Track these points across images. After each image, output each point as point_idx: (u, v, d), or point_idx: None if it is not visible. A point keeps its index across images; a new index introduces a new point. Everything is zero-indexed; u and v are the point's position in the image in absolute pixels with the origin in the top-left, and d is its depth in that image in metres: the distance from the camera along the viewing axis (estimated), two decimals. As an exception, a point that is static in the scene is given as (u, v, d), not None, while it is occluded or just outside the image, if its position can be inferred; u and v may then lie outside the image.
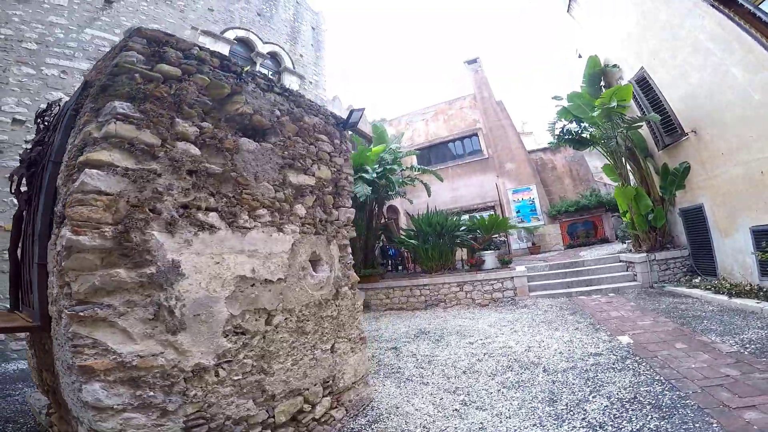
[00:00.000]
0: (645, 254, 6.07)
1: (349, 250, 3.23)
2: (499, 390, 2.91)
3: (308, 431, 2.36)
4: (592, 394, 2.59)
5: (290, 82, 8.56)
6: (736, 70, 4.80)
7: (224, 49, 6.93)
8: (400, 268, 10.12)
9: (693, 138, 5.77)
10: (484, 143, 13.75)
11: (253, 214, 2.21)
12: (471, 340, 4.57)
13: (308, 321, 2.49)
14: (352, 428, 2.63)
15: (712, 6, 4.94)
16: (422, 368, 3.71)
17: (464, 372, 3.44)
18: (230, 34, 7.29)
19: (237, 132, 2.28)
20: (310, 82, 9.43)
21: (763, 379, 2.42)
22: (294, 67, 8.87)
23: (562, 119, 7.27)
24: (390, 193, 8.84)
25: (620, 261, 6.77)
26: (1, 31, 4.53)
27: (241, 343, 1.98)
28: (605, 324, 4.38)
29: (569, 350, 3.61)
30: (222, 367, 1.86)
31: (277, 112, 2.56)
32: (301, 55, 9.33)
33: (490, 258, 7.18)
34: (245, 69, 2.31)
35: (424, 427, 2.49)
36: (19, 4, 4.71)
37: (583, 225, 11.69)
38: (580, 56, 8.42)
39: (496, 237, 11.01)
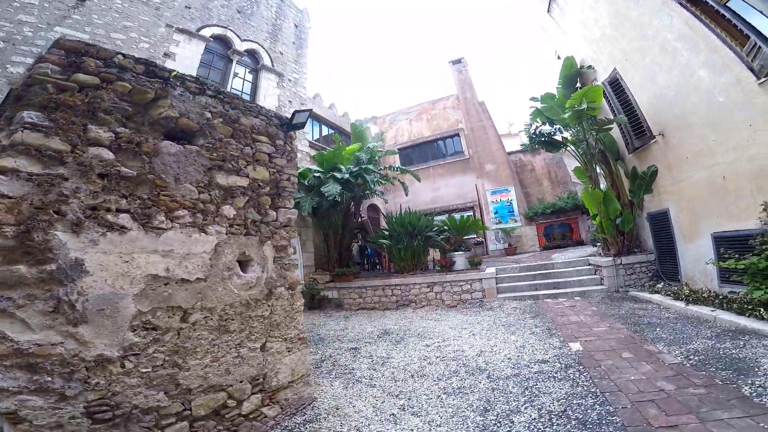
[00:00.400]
0: (612, 258, 6.17)
1: (290, 251, 3.38)
2: (439, 396, 3.01)
3: (234, 426, 2.51)
4: (525, 405, 2.66)
5: (268, 79, 8.73)
6: (702, 71, 4.84)
7: (199, 47, 7.13)
8: (378, 267, 10.27)
9: (660, 141, 5.86)
10: (466, 144, 14.02)
11: (171, 215, 2.35)
12: (429, 342, 4.70)
13: (233, 320, 2.64)
14: (286, 426, 2.77)
15: (680, 4, 4.96)
16: (374, 370, 3.85)
17: (412, 375, 3.55)
18: (207, 32, 7.46)
19: (162, 135, 2.44)
20: (290, 80, 9.59)
21: (694, 395, 2.46)
22: (273, 65, 9.03)
23: (537, 120, 7.39)
24: (366, 192, 8.99)
25: (589, 264, 6.87)
26: None
27: (151, 338, 2.13)
28: (562, 329, 4.50)
29: (518, 356, 3.71)
30: (129, 360, 2.01)
31: (208, 115, 2.71)
32: (281, 53, 9.49)
33: (460, 259, 7.31)
34: (173, 74, 2.46)
35: (357, 429, 2.61)
36: None
37: (559, 227, 11.88)
38: (558, 57, 8.52)
39: (473, 238, 11.15)
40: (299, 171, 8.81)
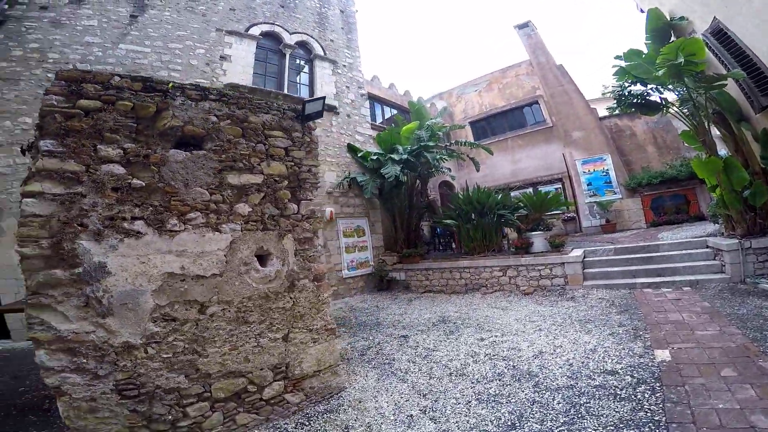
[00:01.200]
0: (738, 240, 4.58)
1: (316, 242, 3.43)
2: (469, 402, 2.76)
3: (254, 409, 2.76)
4: (561, 429, 2.24)
5: (322, 68, 8.92)
6: None
7: (251, 46, 7.68)
8: (451, 248, 9.90)
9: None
10: (547, 111, 12.81)
11: (183, 218, 2.61)
12: (485, 335, 4.35)
13: (251, 312, 2.84)
14: (307, 413, 2.92)
15: None
16: (413, 363, 3.75)
17: (451, 374, 3.35)
18: (255, 30, 7.96)
19: (173, 144, 2.69)
20: (344, 65, 9.63)
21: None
22: (325, 53, 9.17)
23: (624, 80, 5.97)
24: (431, 170, 8.60)
25: (707, 247, 5.26)
26: (48, 56, 5.84)
27: (171, 328, 2.44)
28: (653, 330, 3.62)
29: (583, 363, 3.14)
30: (151, 346, 2.35)
31: (213, 119, 2.87)
32: (331, 40, 9.58)
33: (538, 240, 6.45)
34: (170, 85, 2.66)
35: (368, 426, 2.61)
36: (57, 29, 5.98)
37: (671, 199, 9.49)
38: (642, 11, 6.81)
39: (558, 214, 9.89)
40: (361, 154, 8.96)
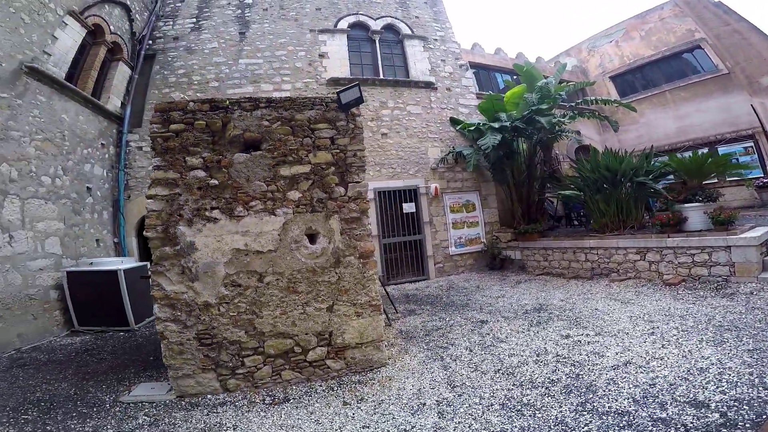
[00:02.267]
0: None
1: (365, 221, 3.64)
2: (491, 406, 2.50)
3: (299, 369, 3.30)
4: None
5: (412, 46, 8.73)
6: None
7: (342, 40, 8.21)
8: (585, 224, 8.34)
9: None
10: (715, 56, 10.90)
11: (246, 205, 3.30)
12: (575, 332, 3.76)
13: (300, 283, 3.37)
14: (342, 380, 3.23)
15: None
16: (471, 351, 3.61)
17: (499, 370, 3.07)
18: (343, 24, 8.36)
19: (239, 149, 3.40)
20: (435, 40, 9.15)
21: None
22: (413, 31, 8.97)
23: None
24: (551, 135, 7.34)
25: None
26: (193, 78, 7.58)
27: (236, 292, 3.21)
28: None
29: (672, 384, 2.41)
30: (222, 306, 3.17)
31: (266, 123, 3.44)
32: (416, 17, 9.26)
33: (695, 214, 4.77)
34: (227, 102, 3.35)
35: (379, 402, 2.76)
36: (191, 55, 7.72)
37: None
38: None
39: (754, 180, 7.13)
40: (460, 126, 8.46)
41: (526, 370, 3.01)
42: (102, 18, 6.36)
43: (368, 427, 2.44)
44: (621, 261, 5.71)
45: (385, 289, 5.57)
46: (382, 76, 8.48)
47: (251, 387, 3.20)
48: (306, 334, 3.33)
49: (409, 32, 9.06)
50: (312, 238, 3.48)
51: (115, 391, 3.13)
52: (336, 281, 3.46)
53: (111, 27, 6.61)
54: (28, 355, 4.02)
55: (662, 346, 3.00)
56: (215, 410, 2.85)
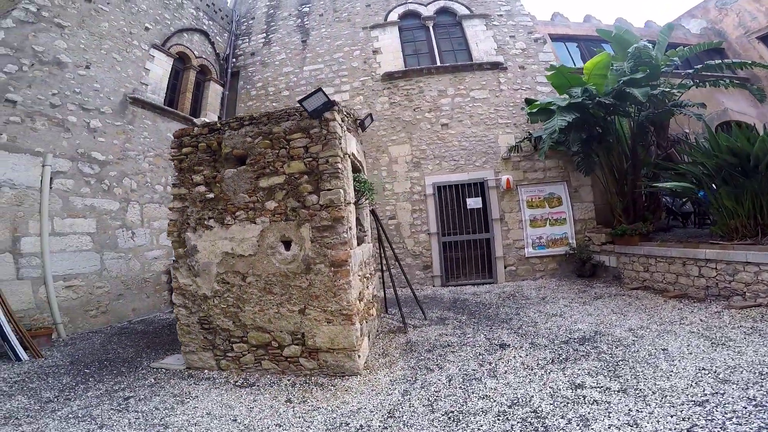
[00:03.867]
0: None
1: (339, 229, 3.72)
2: None
3: (276, 361, 3.70)
4: None
5: (472, 27, 7.68)
6: None
7: (394, 32, 7.92)
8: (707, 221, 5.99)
9: None
10: None
11: (233, 215, 3.88)
12: (596, 382, 2.86)
13: (275, 285, 3.75)
14: (312, 379, 3.44)
15: None
16: (447, 384, 3.13)
17: (444, 414, 2.63)
18: (393, 16, 7.96)
19: (232, 164, 4.01)
20: (500, 15, 7.89)
21: None
22: (471, 11, 7.85)
23: None
24: (665, 109, 5.51)
25: None
26: (269, 90, 8.47)
27: (225, 288, 3.84)
28: None
29: None
30: (215, 298, 3.85)
31: (249, 139, 3.91)
32: None
33: None
34: (218, 125, 3.96)
35: (314, 409, 2.88)
36: (265, 68, 8.58)
37: None
38: None
39: None
40: (525, 109, 7.14)
41: (474, 423, 2.53)
42: (184, 45, 8.00)
43: (281, 426, 2.64)
44: (750, 281, 3.97)
45: (413, 292, 5.46)
46: (439, 63, 7.99)
47: (238, 369, 3.79)
48: (281, 331, 3.69)
49: (467, 12, 8.25)
50: (287, 244, 3.79)
51: (153, 359, 4.22)
52: (307, 287, 3.69)
53: (195, 52, 8.28)
54: (133, 327, 5.73)
55: (710, 414, 2.10)
56: (198, 382, 3.53)
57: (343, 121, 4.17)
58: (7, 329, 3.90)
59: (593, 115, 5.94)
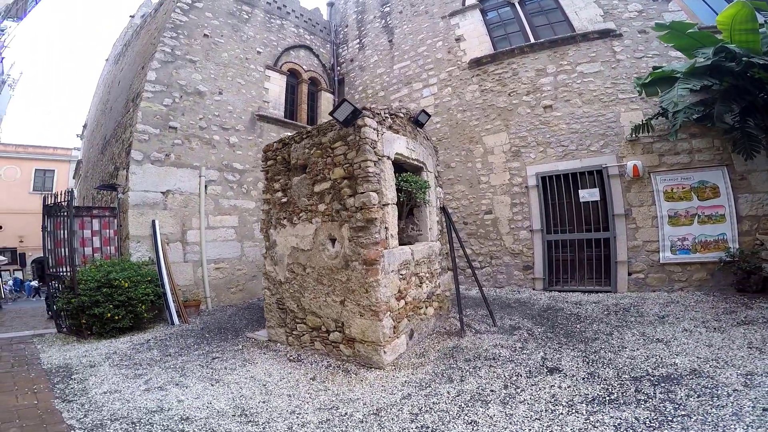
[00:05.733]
0: None
1: (372, 230, 4.08)
2: None
3: (323, 343, 4.40)
4: None
5: None
6: None
7: (475, 16, 7.60)
8: None
9: None
10: None
11: (298, 216, 4.76)
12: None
13: (324, 277, 4.44)
14: (345, 366, 3.92)
15: None
16: (450, 401, 3.04)
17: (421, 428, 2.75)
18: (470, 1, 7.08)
19: (298, 173, 4.89)
20: None
21: None
22: None
23: None
24: None
25: None
26: (368, 92, 8.94)
27: (293, 276, 4.75)
28: None
29: None
30: (286, 284, 4.82)
31: (306, 150, 4.69)
32: None
33: None
34: (283, 138, 4.87)
35: (322, 390, 3.47)
36: (363, 72, 9.00)
37: None
38: None
39: None
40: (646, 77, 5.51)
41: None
42: (293, 62, 9.45)
43: (291, 396, 3.30)
44: None
45: (482, 294, 5.27)
46: (533, 40, 6.98)
47: (298, 346, 4.67)
48: (327, 318, 4.37)
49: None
50: (333, 242, 4.42)
51: (252, 330, 5.54)
52: (345, 281, 4.23)
53: (304, 66, 9.66)
54: (258, 303, 7.31)
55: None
56: (267, 352, 4.56)
57: (381, 124, 4.45)
58: (170, 300, 5.92)
59: (752, 81, 4.23)
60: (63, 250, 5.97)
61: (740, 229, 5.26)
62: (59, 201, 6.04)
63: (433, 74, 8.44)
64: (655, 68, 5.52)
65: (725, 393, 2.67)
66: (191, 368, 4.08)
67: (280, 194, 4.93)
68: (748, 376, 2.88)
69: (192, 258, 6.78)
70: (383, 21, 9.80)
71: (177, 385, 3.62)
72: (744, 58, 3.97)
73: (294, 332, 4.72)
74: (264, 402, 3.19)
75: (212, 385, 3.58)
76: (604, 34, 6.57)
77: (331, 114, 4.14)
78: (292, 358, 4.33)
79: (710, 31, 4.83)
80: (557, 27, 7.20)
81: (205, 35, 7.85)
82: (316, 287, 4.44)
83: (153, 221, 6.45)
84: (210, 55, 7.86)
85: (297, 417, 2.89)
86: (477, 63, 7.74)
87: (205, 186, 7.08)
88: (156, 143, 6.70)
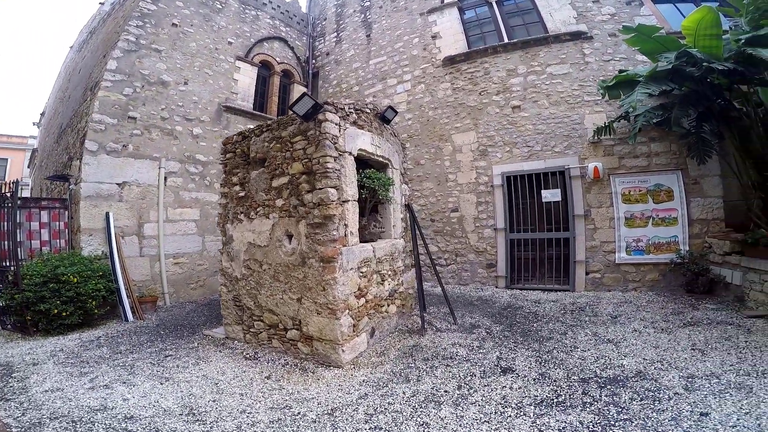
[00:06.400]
0: None
1: (330, 226, 3.96)
2: None
3: (281, 341, 4.25)
4: None
5: None
6: None
7: (453, 14, 7.56)
8: None
9: None
10: None
11: (255, 211, 4.55)
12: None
13: (281, 274, 4.26)
14: (302, 364, 3.81)
15: None
16: (405, 402, 3.21)
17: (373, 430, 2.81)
18: None
19: (258, 167, 4.66)
20: None
21: None
22: None
23: None
24: None
25: None
26: (342, 87, 8.78)
27: (249, 273, 4.55)
28: None
29: None
30: (243, 281, 4.62)
31: (266, 144, 4.47)
32: None
33: None
34: (245, 131, 4.63)
35: (278, 389, 3.33)
36: (338, 66, 8.87)
37: None
38: None
39: None
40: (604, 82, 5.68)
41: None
42: (266, 54, 9.14)
43: (243, 395, 3.15)
44: None
45: (444, 291, 5.21)
46: (507, 40, 6.98)
47: (256, 343, 4.49)
48: (285, 315, 4.21)
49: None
50: (290, 238, 4.24)
51: (210, 327, 5.30)
52: (302, 278, 4.07)
53: (277, 58, 9.37)
54: (220, 299, 7.26)
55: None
56: (222, 350, 4.37)
57: (344, 120, 4.29)
58: (124, 296, 5.60)
59: (711, 86, 4.30)
60: (7, 242, 5.53)
61: (691, 232, 5.42)
62: (3, 191, 5.58)
63: (407, 71, 8.32)
64: (620, 71, 5.57)
65: (666, 396, 2.69)
66: (141, 366, 3.89)
67: (238, 188, 4.70)
68: (689, 379, 2.92)
69: (149, 252, 6.43)
70: (363, 15, 9.61)
71: (124, 383, 3.46)
72: (705, 64, 4.03)
73: (251, 330, 4.53)
74: (214, 401, 3.08)
75: (161, 384, 3.43)
76: (576, 36, 6.62)
77: (290, 108, 3.96)
78: (248, 356, 4.16)
79: (676, 36, 4.91)
80: (531, 28, 7.20)
81: (173, 24, 7.53)
82: (273, 284, 4.26)
83: (107, 214, 6.06)
84: (177, 45, 7.51)
85: (247, 416, 2.81)
86: (451, 61, 7.65)
87: (165, 178, 6.72)
88: (113, 133, 6.31)
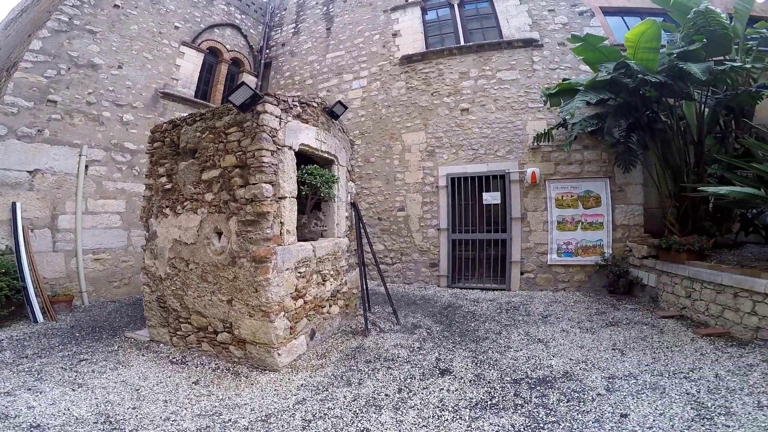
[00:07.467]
0: None
1: (263, 225, 3.62)
2: None
3: (212, 344, 3.87)
4: None
5: (503, 1, 6.66)
6: None
7: (415, 14, 7.50)
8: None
9: None
10: None
11: (182, 205, 4.09)
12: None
13: (209, 274, 3.87)
14: (235, 368, 3.52)
15: None
16: (345, 407, 3.07)
17: None
18: None
19: (188, 158, 4.17)
20: None
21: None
22: None
23: None
24: (746, 93, 3.95)
25: None
26: (295, 79, 8.45)
27: (175, 272, 4.09)
28: None
29: None
30: (167, 280, 4.15)
31: (198, 134, 4.02)
32: None
33: None
34: (177, 121, 4.13)
35: (207, 395, 2.99)
36: (293, 58, 8.57)
37: None
38: None
39: None
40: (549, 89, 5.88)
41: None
42: (215, 40, 8.54)
43: (167, 402, 2.83)
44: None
45: (387, 291, 5.06)
46: (462, 42, 7.04)
47: (184, 347, 4.07)
48: (214, 318, 3.84)
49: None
50: (220, 236, 3.83)
51: (133, 329, 4.73)
52: (233, 279, 3.71)
53: (227, 46, 8.78)
54: None
55: None
56: (146, 354, 3.93)
57: (286, 112, 3.96)
58: (32, 294, 4.83)
59: (642, 98, 4.51)
60: None
61: (614, 236, 5.75)
62: None
63: (365, 67, 8.05)
64: (564, 80, 5.73)
65: (590, 398, 2.73)
66: (51, 371, 3.41)
67: (164, 179, 4.20)
68: (610, 380, 3.01)
69: (64, 247, 5.62)
70: (325, 8, 9.21)
71: (30, 390, 3.04)
72: (639, 75, 4.19)
73: (178, 332, 4.10)
74: (134, 408, 2.77)
75: (73, 390, 3.05)
76: (528, 44, 6.75)
77: (227, 97, 3.56)
78: (175, 360, 3.75)
79: (620, 48, 5.11)
80: (488, 33, 7.24)
81: (116, 5, 6.83)
82: (201, 285, 3.85)
83: (13, 204, 5.20)
84: (116, 27, 6.77)
85: (171, 424, 2.56)
86: (408, 60, 7.52)
87: (86, 166, 5.90)
88: (27, 117, 5.45)
